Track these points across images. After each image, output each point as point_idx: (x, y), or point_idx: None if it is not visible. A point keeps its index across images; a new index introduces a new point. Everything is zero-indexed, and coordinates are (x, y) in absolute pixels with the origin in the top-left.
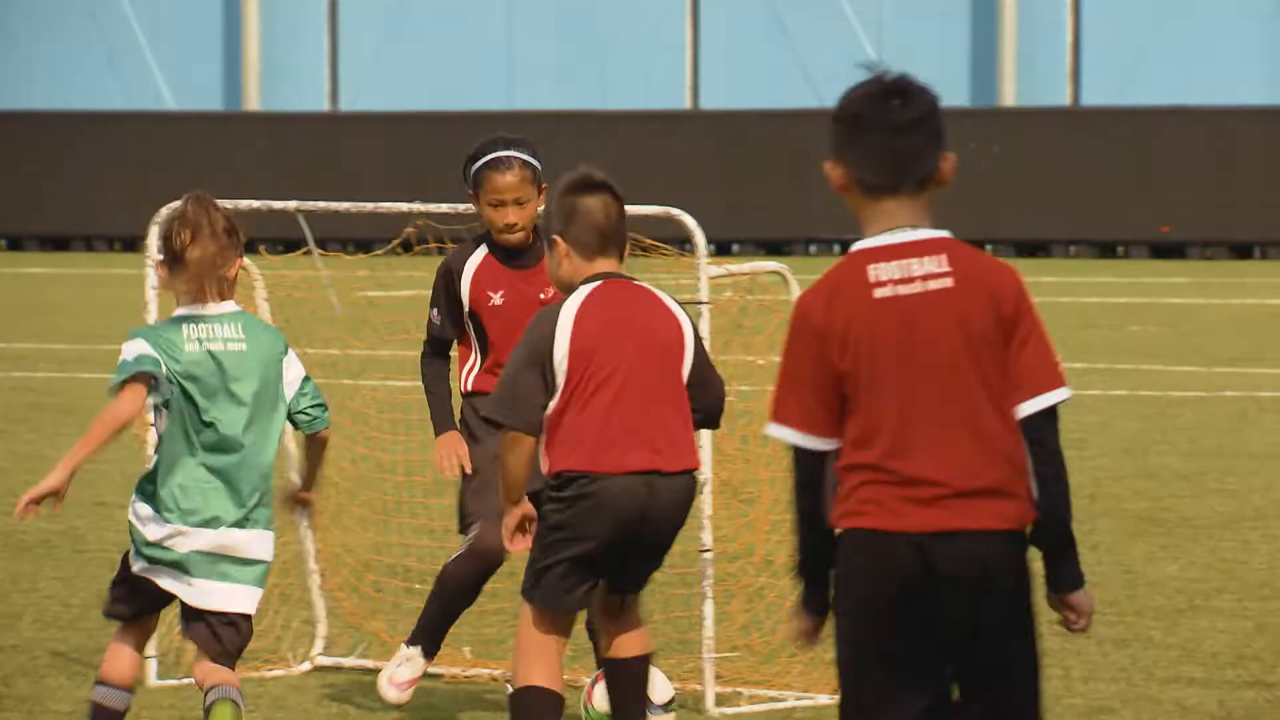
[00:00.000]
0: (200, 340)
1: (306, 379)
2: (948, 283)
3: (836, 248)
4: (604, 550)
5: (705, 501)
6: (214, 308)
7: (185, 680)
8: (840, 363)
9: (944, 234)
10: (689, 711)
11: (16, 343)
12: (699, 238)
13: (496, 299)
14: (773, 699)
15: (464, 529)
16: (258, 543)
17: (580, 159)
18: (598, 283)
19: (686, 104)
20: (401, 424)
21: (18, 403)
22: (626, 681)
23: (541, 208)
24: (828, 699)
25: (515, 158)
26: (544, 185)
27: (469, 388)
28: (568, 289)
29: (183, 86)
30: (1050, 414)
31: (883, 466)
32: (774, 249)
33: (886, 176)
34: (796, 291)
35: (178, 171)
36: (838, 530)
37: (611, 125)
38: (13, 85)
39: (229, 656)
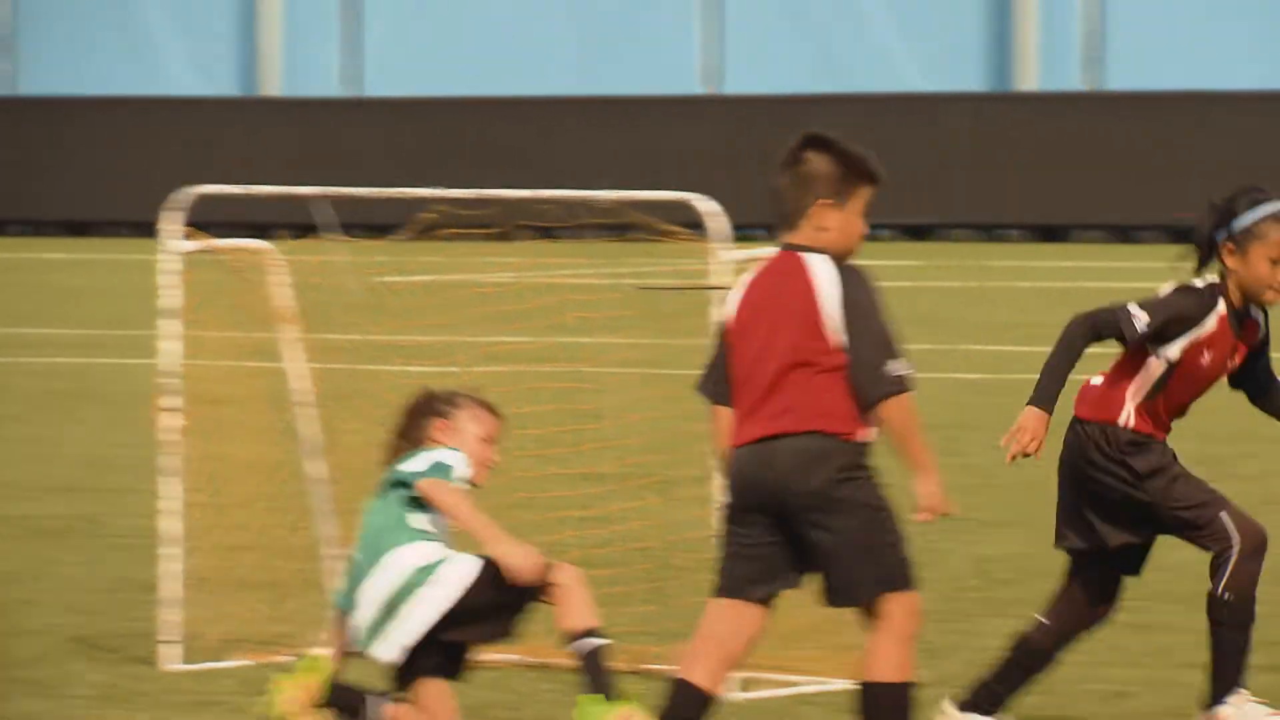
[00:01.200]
0: None
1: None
2: None
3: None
4: (744, 524)
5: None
6: None
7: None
8: None
9: None
10: None
11: (37, 328)
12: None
13: (1206, 358)
14: (791, 683)
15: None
16: None
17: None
18: (769, 258)
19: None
20: None
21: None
22: (861, 708)
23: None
24: (843, 683)
25: None
26: None
27: (1129, 423)
28: None
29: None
30: None
31: None
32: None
33: None
34: None
35: (191, 156)
36: None
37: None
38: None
39: None
